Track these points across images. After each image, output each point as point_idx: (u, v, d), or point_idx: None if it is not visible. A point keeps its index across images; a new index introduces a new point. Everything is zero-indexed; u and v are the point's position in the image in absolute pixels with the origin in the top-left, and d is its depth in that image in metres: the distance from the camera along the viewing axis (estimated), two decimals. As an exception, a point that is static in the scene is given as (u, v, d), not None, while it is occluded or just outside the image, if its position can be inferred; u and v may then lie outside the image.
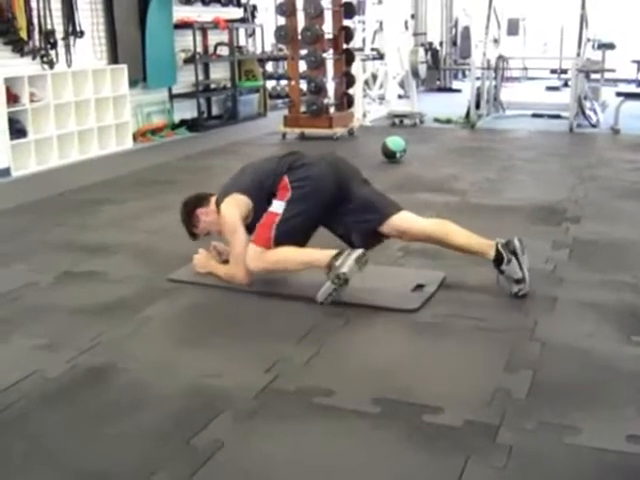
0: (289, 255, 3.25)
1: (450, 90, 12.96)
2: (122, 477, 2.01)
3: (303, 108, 8.12)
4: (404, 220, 3.36)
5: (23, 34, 6.45)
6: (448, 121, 9.09)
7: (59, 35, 6.88)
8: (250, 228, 3.36)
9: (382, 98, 9.60)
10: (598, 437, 2.15)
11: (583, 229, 4.30)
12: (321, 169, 3.37)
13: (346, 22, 8.40)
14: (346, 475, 2.02)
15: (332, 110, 8.18)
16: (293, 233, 3.26)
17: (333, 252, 3.15)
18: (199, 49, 8.82)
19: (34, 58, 6.65)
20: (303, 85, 8.15)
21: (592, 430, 2.18)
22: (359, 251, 3.12)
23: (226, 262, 3.51)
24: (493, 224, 4.37)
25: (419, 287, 3.30)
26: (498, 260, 3.17)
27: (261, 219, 3.31)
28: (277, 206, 3.27)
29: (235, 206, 3.34)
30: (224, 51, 9.27)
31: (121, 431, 2.22)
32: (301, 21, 7.91)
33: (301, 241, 3.32)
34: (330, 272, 3.09)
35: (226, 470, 2.03)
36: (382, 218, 3.34)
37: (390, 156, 6.49)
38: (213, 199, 3.50)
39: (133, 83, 7.74)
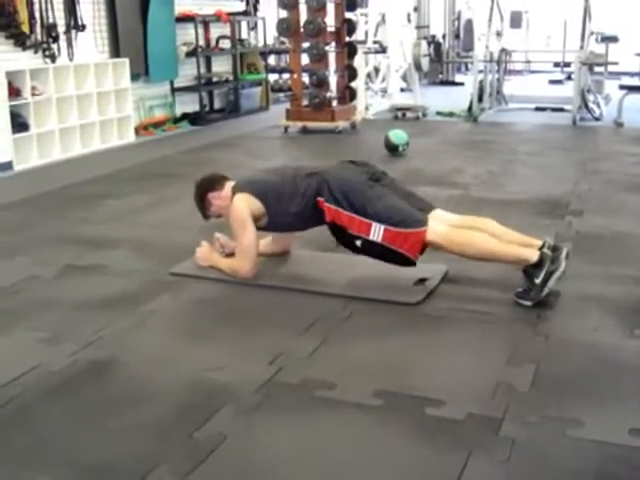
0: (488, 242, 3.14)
1: (453, 83, 12.94)
2: (125, 470, 2.01)
3: (305, 101, 8.11)
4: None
5: (25, 28, 6.45)
6: (451, 114, 9.08)
7: (61, 29, 6.88)
8: (264, 229, 3.40)
9: (384, 91, 9.58)
10: (601, 430, 2.14)
11: (586, 222, 4.29)
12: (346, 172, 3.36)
13: (348, 15, 8.38)
14: (349, 468, 2.02)
15: (334, 103, 8.16)
16: (396, 209, 3.19)
17: (535, 251, 3.06)
18: (201, 42, 8.81)
19: (36, 52, 6.65)
20: (305, 78, 8.13)
21: (595, 423, 2.18)
22: (565, 250, 3.06)
23: (229, 255, 3.51)
24: (496, 218, 4.35)
25: (422, 280, 3.30)
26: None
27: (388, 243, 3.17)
28: (373, 229, 3.16)
29: (247, 204, 3.32)
30: (226, 44, 9.25)
31: (124, 424, 2.22)
32: (303, 14, 7.88)
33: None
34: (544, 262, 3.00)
35: (229, 463, 2.04)
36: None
37: (393, 149, 6.48)
38: (228, 183, 3.47)
39: (135, 77, 7.74)
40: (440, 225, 3.21)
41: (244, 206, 3.31)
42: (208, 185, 3.49)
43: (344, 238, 3.28)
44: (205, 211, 3.52)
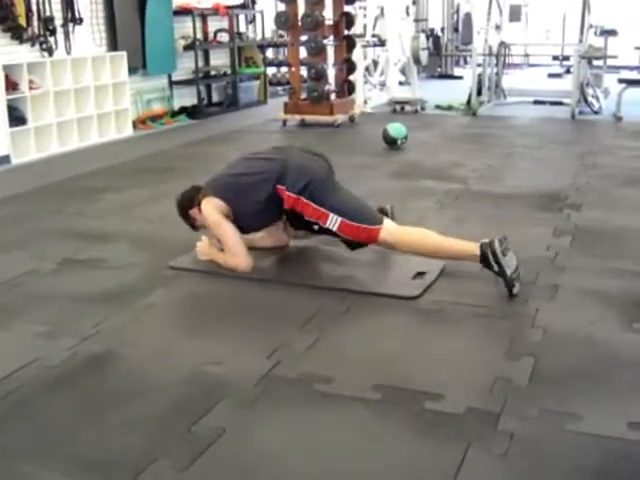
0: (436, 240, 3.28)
1: (451, 77, 12.90)
2: (123, 464, 2.00)
3: (304, 95, 8.09)
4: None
5: (22, 21, 6.42)
6: (449, 108, 9.06)
7: (58, 22, 6.84)
8: (238, 228, 3.39)
9: (383, 85, 9.56)
10: (599, 424, 2.14)
11: (585, 216, 4.29)
12: (310, 165, 3.43)
13: (347, 8, 8.34)
14: (347, 462, 2.02)
15: (333, 97, 8.14)
16: (354, 204, 3.34)
17: (476, 244, 3.16)
18: (199, 36, 8.78)
19: (33, 45, 6.62)
20: (304, 72, 8.11)
21: (593, 417, 2.18)
22: (499, 236, 3.14)
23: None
24: (495, 211, 4.37)
25: (420, 275, 3.30)
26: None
27: (333, 228, 3.30)
28: (324, 216, 3.28)
29: (213, 206, 3.37)
30: (224, 37, 9.23)
31: (122, 418, 2.22)
32: (301, 7, 7.86)
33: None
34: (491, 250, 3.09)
35: (227, 457, 2.04)
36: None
37: (391, 143, 6.47)
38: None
39: (133, 70, 7.71)
40: (394, 227, 3.33)
41: (211, 208, 3.37)
42: (187, 202, 3.55)
43: (301, 222, 3.38)
44: (192, 224, 3.58)
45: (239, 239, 3.38)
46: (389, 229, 3.29)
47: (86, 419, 2.23)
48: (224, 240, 3.40)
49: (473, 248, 3.16)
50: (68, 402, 2.33)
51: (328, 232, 3.34)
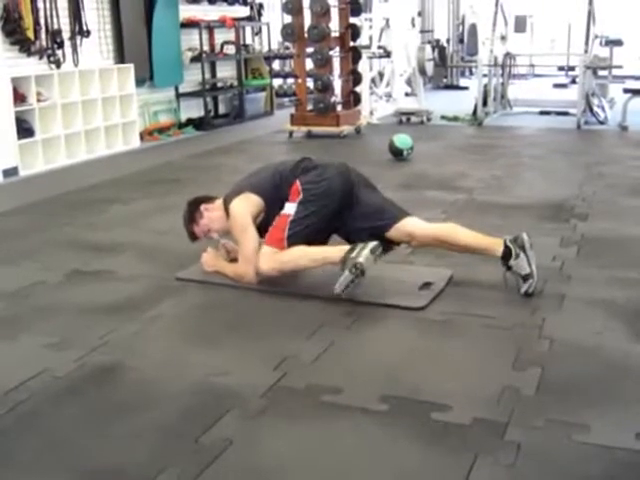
0: (302, 253, 3.25)
1: (457, 87, 12.93)
2: (131, 475, 2.01)
3: (310, 106, 8.12)
4: (412, 224, 3.39)
5: (30, 34, 6.47)
6: (455, 119, 9.08)
7: (66, 35, 6.89)
8: (260, 229, 3.37)
9: (389, 96, 9.58)
10: (607, 435, 2.14)
11: (591, 226, 4.28)
12: (331, 172, 3.41)
13: (353, 20, 8.40)
14: (354, 472, 2.02)
15: (339, 108, 8.18)
16: (306, 234, 3.28)
17: (347, 247, 3.18)
18: (206, 48, 8.83)
19: (41, 58, 6.67)
20: (310, 83, 8.15)
21: (601, 428, 2.17)
22: (374, 242, 3.15)
23: (234, 261, 3.52)
24: (501, 221, 4.37)
25: (427, 285, 3.30)
26: (506, 256, 3.17)
27: (274, 221, 3.32)
28: (289, 208, 3.31)
29: (247, 205, 3.35)
30: (231, 49, 9.27)
31: (130, 429, 2.23)
32: (307, 19, 7.90)
33: (315, 244, 3.34)
34: (345, 264, 3.10)
35: (234, 468, 2.04)
36: (391, 222, 3.35)
37: (397, 154, 6.48)
38: (218, 201, 3.54)
39: (140, 82, 7.76)
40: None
41: (244, 209, 3.34)
42: (200, 198, 3.58)
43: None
44: (193, 226, 3.54)
45: (257, 249, 3.36)
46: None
47: (94, 430, 2.24)
48: (243, 246, 3.35)
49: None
50: (76, 413, 2.34)
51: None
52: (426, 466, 2.04)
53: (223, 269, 3.48)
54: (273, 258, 3.26)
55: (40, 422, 2.28)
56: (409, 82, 9.70)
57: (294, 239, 3.25)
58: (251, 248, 3.33)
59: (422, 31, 12.57)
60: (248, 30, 9.95)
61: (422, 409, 2.30)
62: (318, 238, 3.37)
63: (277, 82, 10.58)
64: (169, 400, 2.39)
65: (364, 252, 3.09)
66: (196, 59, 8.58)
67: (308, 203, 3.29)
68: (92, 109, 7.02)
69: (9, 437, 2.21)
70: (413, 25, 10.13)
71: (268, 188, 3.40)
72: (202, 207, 3.51)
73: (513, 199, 4.98)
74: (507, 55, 9.42)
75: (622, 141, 7.52)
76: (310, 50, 7.98)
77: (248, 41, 9.91)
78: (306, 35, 7.88)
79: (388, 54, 9.24)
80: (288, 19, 8.28)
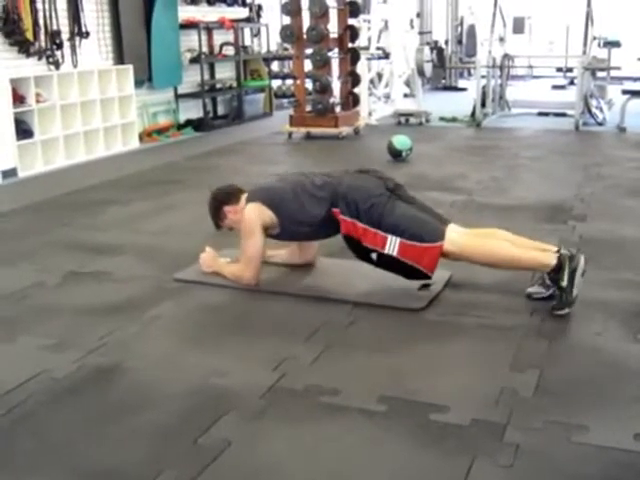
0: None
1: (456, 89, 12.94)
2: (129, 476, 2.01)
3: (309, 107, 8.12)
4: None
5: (29, 35, 6.48)
6: (454, 120, 9.08)
7: (65, 36, 6.90)
8: (277, 237, 3.40)
9: (388, 97, 9.59)
10: (606, 436, 2.14)
11: (589, 227, 4.29)
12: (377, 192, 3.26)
13: (351, 21, 8.40)
14: (352, 474, 2.02)
15: (338, 109, 8.18)
16: (413, 218, 3.18)
17: (553, 254, 3.06)
18: (204, 49, 8.84)
19: (40, 59, 6.68)
20: (308, 84, 8.15)
21: (600, 429, 2.17)
22: (582, 259, 3.02)
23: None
24: (500, 222, 4.35)
25: (425, 286, 3.30)
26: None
27: (401, 255, 3.14)
28: (388, 242, 3.15)
29: (259, 214, 3.31)
30: (229, 51, 9.28)
31: (128, 430, 2.23)
32: (306, 20, 7.91)
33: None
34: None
35: (233, 469, 2.04)
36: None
37: (396, 155, 6.48)
38: (243, 197, 3.45)
39: (139, 83, 7.76)
40: (458, 235, 3.20)
41: (254, 216, 3.31)
42: (224, 198, 3.48)
43: (359, 250, 3.26)
44: (218, 221, 3.51)
45: (260, 253, 3.35)
46: (452, 238, 3.15)
47: (92, 431, 2.24)
48: (247, 249, 3.34)
49: (548, 259, 3.05)
50: (74, 414, 2.34)
51: (389, 264, 3.19)
52: (424, 467, 2.04)
53: (221, 270, 3.48)
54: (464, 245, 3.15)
55: (39, 423, 2.28)
56: (408, 83, 9.71)
57: (419, 230, 3.14)
58: (253, 251, 3.33)
59: (421, 32, 12.58)
60: (247, 31, 9.96)
61: (421, 410, 2.30)
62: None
63: (276, 83, 10.55)
64: (167, 401, 2.39)
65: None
66: (195, 60, 8.58)
67: (370, 212, 3.18)
68: (91, 110, 7.02)
69: (8, 438, 2.21)
70: (412, 26, 10.16)
71: (285, 207, 3.31)
72: (225, 209, 3.45)
73: (512, 200, 4.98)
74: (505, 56, 9.43)
75: (620, 142, 7.53)
76: (309, 51, 7.99)
77: (247, 42, 9.92)
78: (305, 36, 7.88)
79: (387, 55, 9.25)
80: (287, 20, 8.29)
